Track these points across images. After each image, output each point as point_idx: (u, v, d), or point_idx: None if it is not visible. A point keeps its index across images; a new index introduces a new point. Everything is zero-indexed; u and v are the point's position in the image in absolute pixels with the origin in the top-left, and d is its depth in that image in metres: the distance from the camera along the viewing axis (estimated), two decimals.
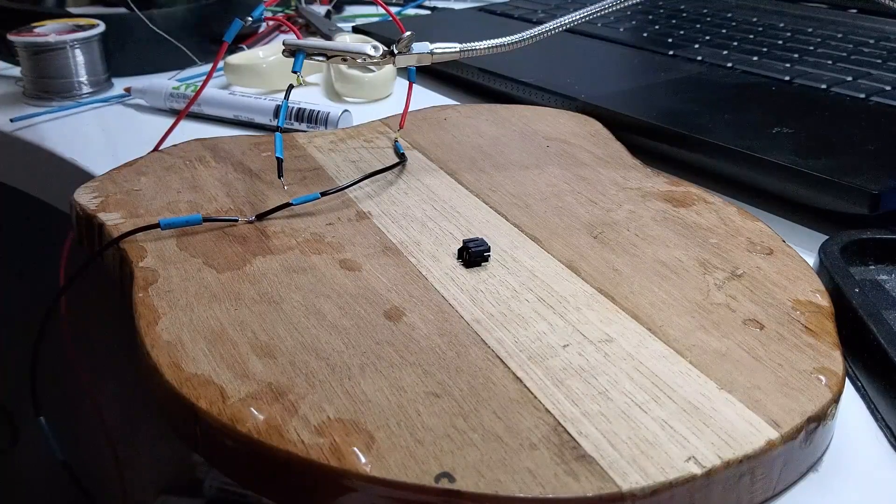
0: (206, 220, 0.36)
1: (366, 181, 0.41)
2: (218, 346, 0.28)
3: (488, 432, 0.24)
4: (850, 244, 0.35)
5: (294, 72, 0.40)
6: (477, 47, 0.42)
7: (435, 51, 0.42)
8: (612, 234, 0.36)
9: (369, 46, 0.41)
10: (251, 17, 0.44)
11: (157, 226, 0.35)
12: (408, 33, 0.41)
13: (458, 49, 0.42)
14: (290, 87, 0.42)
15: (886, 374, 0.28)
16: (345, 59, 0.41)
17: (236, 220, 0.37)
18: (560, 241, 0.36)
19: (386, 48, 0.41)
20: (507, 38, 0.43)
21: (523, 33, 0.42)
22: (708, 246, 0.35)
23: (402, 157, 0.44)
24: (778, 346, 0.28)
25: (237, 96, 0.56)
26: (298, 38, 0.41)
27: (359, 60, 0.41)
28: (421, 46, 0.41)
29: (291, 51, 0.40)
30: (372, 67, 0.59)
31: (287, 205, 0.37)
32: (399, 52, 0.41)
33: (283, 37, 0.74)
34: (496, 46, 0.42)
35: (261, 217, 0.37)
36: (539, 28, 0.43)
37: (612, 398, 0.26)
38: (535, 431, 0.24)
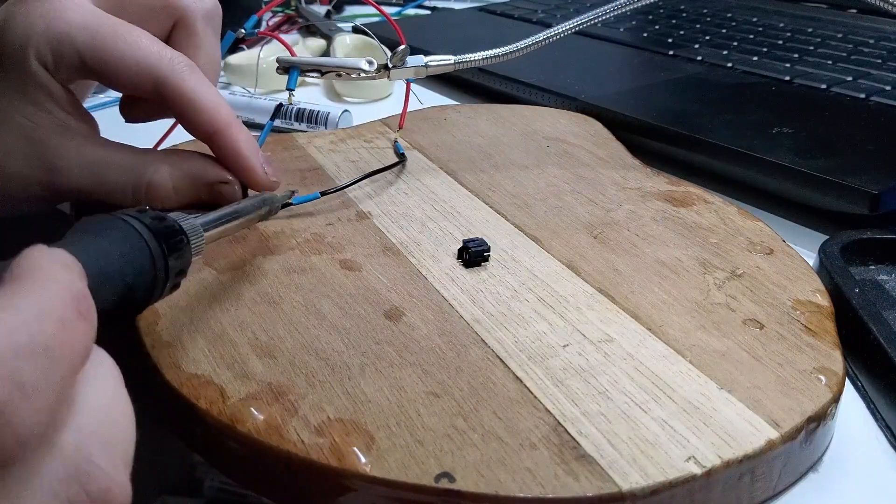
0: None
1: (366, 181, 0.41)
2: (218, 346, 0.28)
3: (488, 432, 0.24)
4: (850, 244, 0.35)
5: (288, 89, 0.40)
6: (471, 59, 0.42)
7: (430, 63, 0.42)
8: (612, 234, 0.36)
9: (364, 62, 0.41)
10: (244, 29, 0.44)
11: None
12: (402, 47, 0.41)
13: (452, 61, 0.42)
14: (280, 105, 0.43)
15: (886, 374, 0.28)
16: (339, 75, 0.41)
17: None
18: (560, 241, 0.36)
19: (381, 62, 0.41)
20: (502, 48, 0.43)
21: (518, 43, 0.43)
22: (708, 246, 0.35)
23: (401, 157, 0.44)
24: (778, 346, 0.28)
25: (237, 96, 0.56)
26: (292, 55, 0.41)
27: (353, 76, 0.41)
28: (416, 60, 0.42)
29: (285, 68, 0.40)
30: None
31: (287, 205, 0.37)
32: (394, 66, 0.41)
33: (283, 37, 0.74)
34: (490, 57, 0.42)
35: None
36: (535, 37, 0.42)
37: (612, 398, 0.26)
38: (535, 431, 0.24)
